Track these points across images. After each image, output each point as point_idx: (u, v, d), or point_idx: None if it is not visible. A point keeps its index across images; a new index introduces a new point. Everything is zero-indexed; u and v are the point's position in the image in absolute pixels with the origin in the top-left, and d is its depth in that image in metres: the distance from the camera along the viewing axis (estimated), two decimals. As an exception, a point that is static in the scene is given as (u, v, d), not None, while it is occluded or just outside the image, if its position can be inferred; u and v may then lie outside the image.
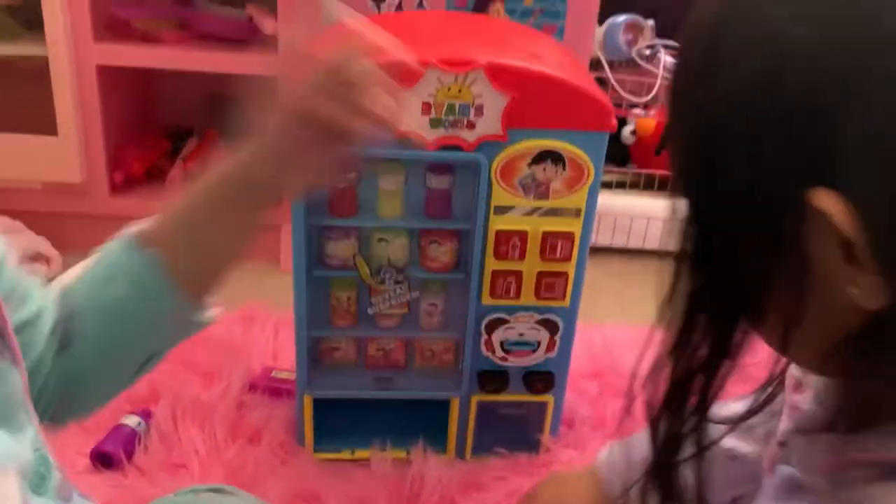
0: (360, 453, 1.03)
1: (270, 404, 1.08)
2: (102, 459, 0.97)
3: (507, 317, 0.95)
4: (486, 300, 0.93)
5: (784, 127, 0.33)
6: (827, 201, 0.32)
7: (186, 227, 0.58)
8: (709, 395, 0.42)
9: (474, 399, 1.00)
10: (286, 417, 1.07)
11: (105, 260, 0.57)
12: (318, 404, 1.01)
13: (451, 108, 0.82)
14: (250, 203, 0.58)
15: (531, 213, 0.89)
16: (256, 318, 1.31)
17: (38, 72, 1.36)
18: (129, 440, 0.99)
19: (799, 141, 0.33)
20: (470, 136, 0.84)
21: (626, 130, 1.68)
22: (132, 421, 1.01)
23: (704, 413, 0.42)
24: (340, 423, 1.04)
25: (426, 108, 0.82)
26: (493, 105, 0.83)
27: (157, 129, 1.70)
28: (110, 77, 1.43)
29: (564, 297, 0.94)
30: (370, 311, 0.97)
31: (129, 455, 0.98)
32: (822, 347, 0.37)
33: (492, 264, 0.91)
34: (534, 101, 0.83)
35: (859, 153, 0.32)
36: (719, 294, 0.40)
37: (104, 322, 0.56)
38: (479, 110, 0.83)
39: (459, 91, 0.82)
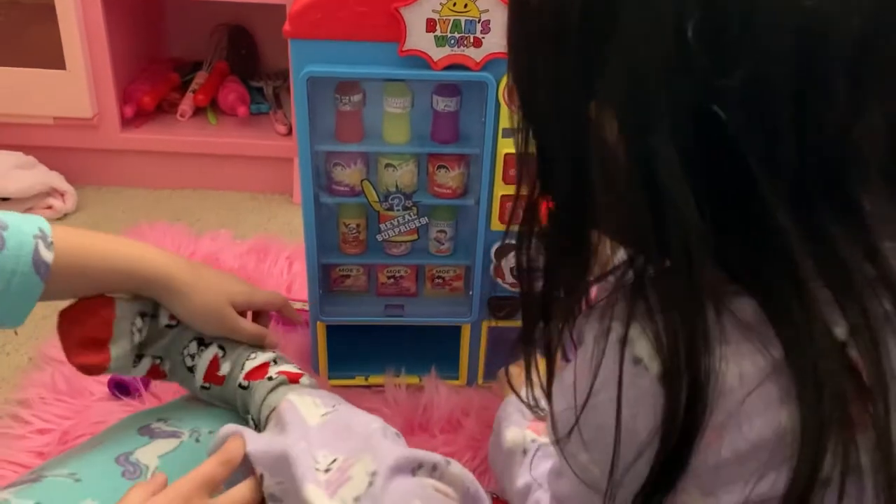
0: (374, 379, 1.04)
1: (284, 334, 1.09)
2: (119, 387, 0.99)
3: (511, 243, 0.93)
4: (496, 226, 0.92)
5: (566, 48, 0.41)
6: (596, 109, 0.40)
7: (82, 280, 0.68)
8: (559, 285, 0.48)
9: (485, 325, 1.00)
10: (300, 346, 1.07)
11: (6, 254, 0.62)
12: (332, 332, 1.01)
13: (456, 25, 0.80)
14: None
15: (541, 134, 0.87)
16: (270, 250, 1.31)
17: (45, 4, 1.34)
18: (145, 368, 1.00)
19: (578, 59, 0.40)
20: (477, 55, 0.81)
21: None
22: (147, 350, 1.02)
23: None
24: (354, 350, 1.05)
25: (431, 24, 0.79)
26: (501, 20, 0.79)
27: (165, 62, 1.68)
28: (116, 8, 1.41)
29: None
30: (379, 237, 0.96)
31: (146, 383, 0.99)
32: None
33: (501, 189, 0.89)
34: (543, 16, 0.79)
35: (618, 77, 0.39)
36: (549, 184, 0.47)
37: None
38: (486, 26, 0.80)
39: (465, 6, 0.79)
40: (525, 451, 0.74)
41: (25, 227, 0.64)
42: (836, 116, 0.37)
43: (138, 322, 0.73)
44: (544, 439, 0.74)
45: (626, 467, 0.43)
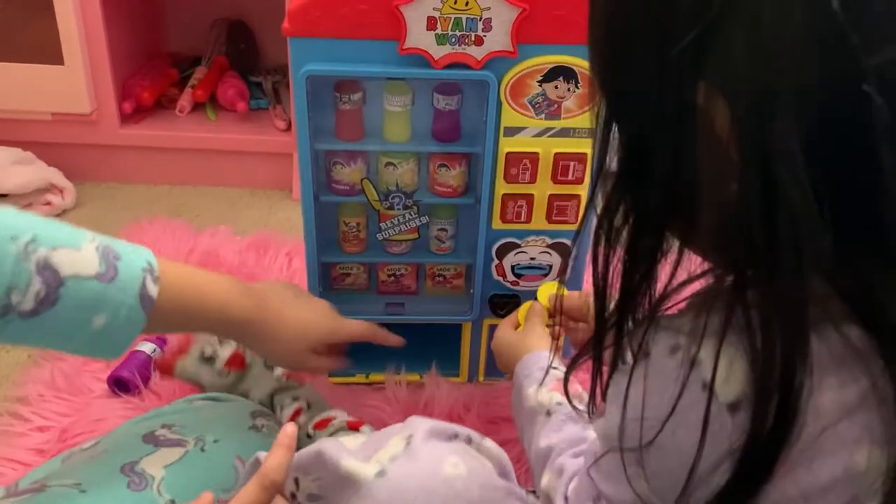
0: (375, 377, 1.03)
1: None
2: (119, 384, 0.99)
3: (518, 241, 0.93)
4: (497, 224, 0.92)
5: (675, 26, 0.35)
6: (706, 96, 0.35)
7: (177, 317, 0.68)
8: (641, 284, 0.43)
9: (486, 323, 1.00)
10: (300, 344, 1.07)
11: (112, 288, 0.60)
12: (331, 330, 1.01)
13: (457, 23, 0.79)
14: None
15: (542, 133, 0.86)
16: (270, 245, 1.31)
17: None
18: (145, 366, 1.00)
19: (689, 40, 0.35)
20: (478, 53, 0.81)
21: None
22: (147, 347, 1.02)
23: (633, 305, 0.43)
24: (354, 347, 1.04)
25: (431, 22, 0.79)
26: (502, 18, 0.79)
27: (164, 57, 1.67)
28: (114, 3, 1.40)
29: (577, 220, 0.92)
30: (380, 237, 0.96)
31: (146, 380, 0.99)
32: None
33: (502, 188, 0.89)
34: (546, 13, 0.79)
35: (737, 54, 0.33)
36: (635, 189, 0.41)
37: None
38: (488, 24, 0.79)
39: (466, 3, 0.78)
40: (549, 413, 0.72)
41: (136, 258, 0.64)
42: None
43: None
44: (566, 402, 0.70)
45: (681, 493, 0.40)
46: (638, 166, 0.41)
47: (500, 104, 0.84)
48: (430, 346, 1.03)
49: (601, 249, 0.43)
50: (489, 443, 0.63)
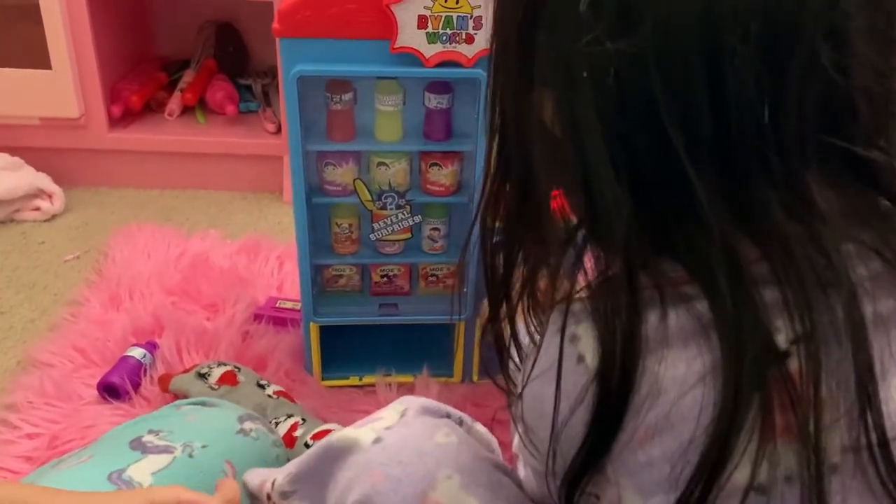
0: (368, 379, 1.03)
1: (275, 334, 1.08)
2: (109, 391, 0.97)
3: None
4: (490, 223, 0.91)
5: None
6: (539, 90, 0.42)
7: None
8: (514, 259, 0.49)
9: (479, 322, 0.99)
10: (292, 346, 1.06)
11: None
12: (325, 332, 1.00)
13: (448, 21, 0.79)
14: None
15: (534, 131, 0.86)
16: (261, 249, 1.30)
17: (30, 4, 1.33)
18: (135, 371, 0.99)
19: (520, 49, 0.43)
20: (469, 51, 0.81)
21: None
22: (137, 353, 1.01)
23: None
24: (347, 350, 1.04)
25: (422, 21, 0.78)
26: (492, 16, 0.79)
27: (153, 61, 1.66)
28: (102, 7, 1.39)
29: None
30: (372, 237, 0.95)
31: (136, 386, 0.98)
32: None
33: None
34: (535, 12, 0.79)
35: (548, 53, 0.41)
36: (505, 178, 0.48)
37: None
38: (479, 22, 0.79)
39: (457, 2, 0.78)
40: None
41: None
42: (748, 83, 0.37)
43: None
44: None
45: (566, 459, 0.44)
46: (506, 155, 0.48)
47: (491, 103, 0.84)
48: (426, 346, 1.02)
49: (488, 227, 0.50)
50: (480, 427, 0.64)
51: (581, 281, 0.44)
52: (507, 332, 0.52)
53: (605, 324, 0.41)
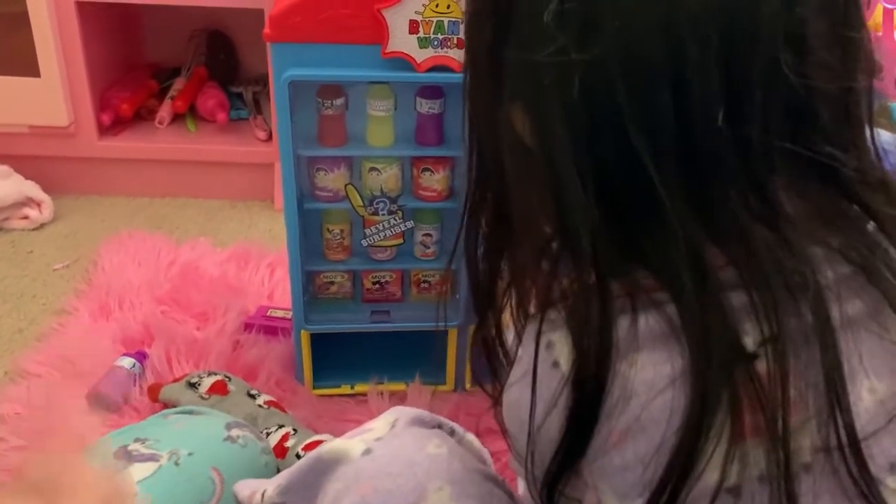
0: (361, 387, 1.02)
1: (266, 343, 1.07)
2: (98, 401, 0.96)
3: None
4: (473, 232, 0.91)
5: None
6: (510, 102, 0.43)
7: None
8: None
9: (472, 329, 0.98)
10: (283, 355, 1.05)
11: None
12: (316, 340, 0.99)
13: (439, 26, 0.78)
14: None
15: (527, 136, 0.86)
16: (252, 257, 1.29)
17: (18, 12, 1.32)
18: (124, 382, 0.98)
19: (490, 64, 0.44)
20: (460, 56, 0.80)
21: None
22: (127, 363, 1.00)
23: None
24: (339, 358, 1.03)
25: (413, 26, 0.78)
26: (483, 21, 0.78)
27: (143, 69, 1.65)
28: (92, 15, 1.38)
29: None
30: (364, 243, 0.94)
31: (125, 396, 0.97)
32: None
33: (487, 191, 0.88)
34: (527, 16, 0.78)
35: (517, 68, 0.41)
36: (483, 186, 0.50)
37: None
38: (470, 27, 0.79)
39: (448, 7, 0.77)
40: None
41: None
42: (710, 96, 0.37)
43: None
44: None
45: (543, 462, 0.44)
46: (482, 166, 0.49)
47: (483, 107, 0.83)
48: (418, 354, 1.01)
49: (471, 235, 0.52)
50: (471, 437, 0.64)
51: (556, 289, 0.44)
52: (493, 338, 0.53)
53: (579, 331, 0.41)
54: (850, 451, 0.39)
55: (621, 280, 0.41)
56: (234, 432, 0.75)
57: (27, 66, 1.35)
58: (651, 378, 0.40)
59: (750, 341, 0.39)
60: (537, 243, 0.45)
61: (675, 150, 0.38)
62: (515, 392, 0.46)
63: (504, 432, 0.50)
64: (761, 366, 0.38)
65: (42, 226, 1.40)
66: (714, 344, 0.38)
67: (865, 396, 0.40)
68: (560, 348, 0.42)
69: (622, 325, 0.40)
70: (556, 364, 0.42)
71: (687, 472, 0.39)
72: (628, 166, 0.38)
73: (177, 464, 0.69)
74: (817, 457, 0.39)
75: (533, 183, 0.43)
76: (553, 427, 0.43)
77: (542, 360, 0.43)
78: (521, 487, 0.70)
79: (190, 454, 0.69)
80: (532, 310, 0.47)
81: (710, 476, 0.39)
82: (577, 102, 0.39)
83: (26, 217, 1.40)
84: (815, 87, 0.39)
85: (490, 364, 0.56)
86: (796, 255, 0.39)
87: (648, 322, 0.40)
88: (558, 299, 0.43)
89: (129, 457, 0.68)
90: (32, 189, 1.41)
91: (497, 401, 0.51)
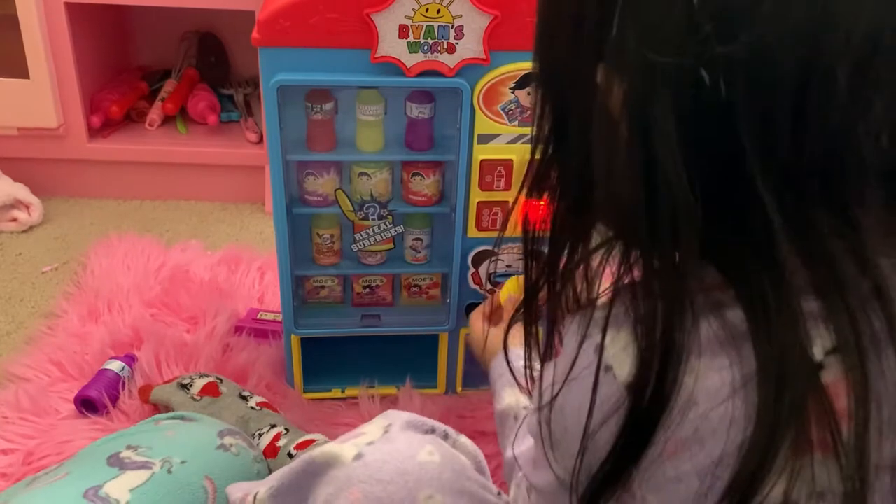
0: (351, 391, 1.02)
1: (256, 346, 1.07)
2: (86, 405, 0.96)
3: (494, 249, 0.92)
4: (473, 233, 0.91)
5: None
6: (605, 76, 0.39)
7: None
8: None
9: (463, 332, 0.98)
10: (273, 359, 1.05)
11: None
12: (306, 344, 0.99)
13: (429, 31, 0.78)
14: None
15: (516, 140, 0.86)
16: (241, 260, 1.28)
17: (8, 14, 1.31)
18: (113, 385, 0.97)
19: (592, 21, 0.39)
20: (450, 61, 0.80)
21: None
22: (115, 366, 1.00)
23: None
24: (329, 362, 1.03)
25: (403, 30, 0.78)
26: (474, 26, 0.78)
27: (133, 71, 1.65)
28: (81, 16, 1.38)
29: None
30: (354, 247, 0.94)
31: (114, 400, 0.96)
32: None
33: (477, 195, 0.88)
34: (517, 20, 0.78)
35: (628, 39, 0.37)
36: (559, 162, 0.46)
37: None
38: (460, 31, 0.79)
39: (438, 11, 0.77)
40: (516, 418, 0.74)
41: None
42: (837, 107, 0.36)
43: None
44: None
45: (589, 472, 0.43)
46: (560, 141, 0.45)
47: (473, 111, 0.83)
48: (408, 358, 1.02)
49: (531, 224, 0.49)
50: (465, 439, 0.63)
51: (603, 287, 0.43)
52: (534, 328, 0.50)
53: (645, 333, 0.39)
54: None
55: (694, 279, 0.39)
56: (227, 440, 0.75)
57: (16, 67, 1.35)
58: (712, 386, 0.38)
59: (818, 350, 0.37)
60: (603, 233, 0.43)
61: (783, 159, 0.37)
62: (559, 397, 0.44)
63: (539, 436, 0.47)
64: (829, 376, 0.37)
65: (31, 228, 1.40)
66: (786, 354, 0.37)
67: None
68: (613, 351, 0.40)
69: (685, 327, 0.38)
70: (608, 368, 0.41)
71: (753, 488, 0.37)
72: (730, 168, 0.37)
73: (170, 472, 0.68)
74: (881, 474, 0.37)
75: (622, 168, 0.39)
76: (604, 435, 0.41)
77: (590, 362, 0.41)
78: (512, 494, 0.70)
79: (183, 462, 0.69)
80: (578, 309, 0.45)
81: (774, 492, 0.37)
82: (691, 97, 0.37)
83: (15, 219, 1.39)
84: None
85: (540, 346, 0.51)
86: (869, 265, 0.38)
87: (710, 326, 0.38)
88: (615, 295, 0.41)
89: (121, 464, 0.68)
90: (21, 191, 1.40)
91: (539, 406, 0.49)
